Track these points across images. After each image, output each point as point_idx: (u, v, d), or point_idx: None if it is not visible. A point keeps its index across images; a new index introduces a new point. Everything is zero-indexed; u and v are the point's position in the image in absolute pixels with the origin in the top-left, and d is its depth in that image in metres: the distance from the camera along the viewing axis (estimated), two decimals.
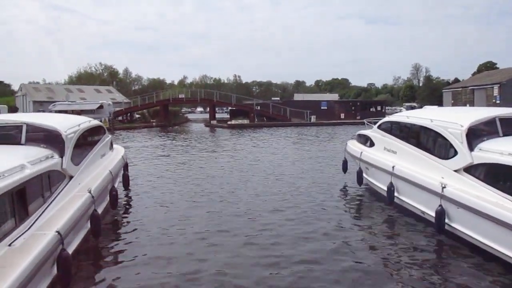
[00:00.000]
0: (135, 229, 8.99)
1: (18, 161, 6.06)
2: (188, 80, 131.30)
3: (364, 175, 12.34)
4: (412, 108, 56.09)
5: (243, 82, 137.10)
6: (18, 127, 7.76)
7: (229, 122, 51.54)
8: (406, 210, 9.71)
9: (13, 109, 55.26)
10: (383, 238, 8.30)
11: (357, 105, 61.44)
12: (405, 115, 11.27)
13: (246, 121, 51.86)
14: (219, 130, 44.71)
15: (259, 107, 55.70)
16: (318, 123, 50.92)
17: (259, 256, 7.33)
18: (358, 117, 53.03)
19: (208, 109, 70.58)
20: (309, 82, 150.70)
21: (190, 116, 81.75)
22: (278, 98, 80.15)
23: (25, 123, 7.80)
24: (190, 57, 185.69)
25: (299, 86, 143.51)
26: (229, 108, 62.29)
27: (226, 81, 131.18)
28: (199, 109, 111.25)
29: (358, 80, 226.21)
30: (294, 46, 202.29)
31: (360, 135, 13.69)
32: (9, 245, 5.02)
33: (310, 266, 6.86)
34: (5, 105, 51.37)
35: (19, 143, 7.51)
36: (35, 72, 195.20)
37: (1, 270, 4.36)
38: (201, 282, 6.34)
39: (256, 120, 52.51)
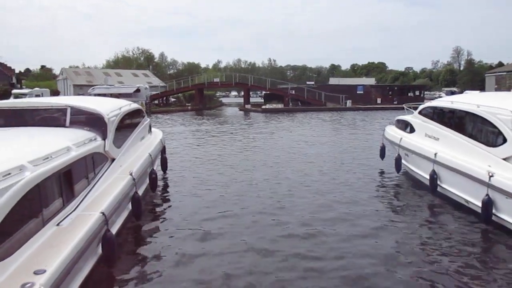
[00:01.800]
0: (174, 211, 9.18)
1: (64, 143, 6.22)
2: (222, 65, 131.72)
3: (403, 161, 12.04)
4: (453, 93, 54.28)
5: (278, 66, 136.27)
6: (62, 110, 7.94)
7: (263, 107, 51.42)
8: (449, 199, 9.42)
9: (55, 93, 57.13)
10: (424, 227, 8.07)
11: (395, 89, 60.01)
12: (448, 100, 10.84)
13: (280, 106, 51.59)
14: (253, 115, 44.71)
15: (293, 91, 55.24)
16: (353, 108, 50.08)
17: (296, 244, 7.30)
18: (395, 102, 51.89)
19: (242, 93, 70.68)
20: (345, 66, 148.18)
21: (224, 100, 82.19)
22: (313, 82, 79.25)
23: (69, 106, 7.97)
24: (224, 41, 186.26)
25: (335, 70, 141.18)
26: (263, 92, 62.13)
27: (260, 65, 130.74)
28: (234, 93, 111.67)
29: (396, 64, 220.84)
30: (329, 29, 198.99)
31: (399, 121, 13.33)
32: (57, 224, 5.19)
33: (349, 250, 6.79)
34: (48, 89, 53.18)
35: (63, 126, 7.69)
36: (75, 57, 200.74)
37: (51, 249, 4.51)
38: (241, 262, 6.38)
39: (291, 104, 52.13)
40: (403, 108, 15.13)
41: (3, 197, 4.00)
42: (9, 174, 4.30)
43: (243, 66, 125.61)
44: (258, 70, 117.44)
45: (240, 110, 54.13)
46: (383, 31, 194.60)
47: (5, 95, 49.04)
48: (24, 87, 71.17)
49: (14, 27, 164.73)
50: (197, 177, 12.46)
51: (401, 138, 11.99)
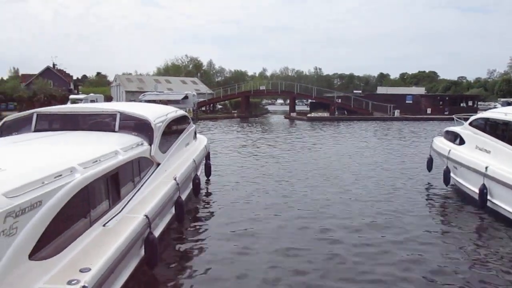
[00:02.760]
0: (216, 216, 9.33)
1: (113, 147, 6.48)
2: (268, 72, 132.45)
3: (451, 174, 11.60)
4: (509, 104, 51.58)
5: (324, 74, 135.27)
6: (112, 116, 8.29)
7: (308, 115, 51.18)
8: (499, 215, 8.97)
9: (108, 98, 59.61)
10: (472, 244, 7.72)
11: (446, 99, 57.86)
12: (502, 112, 10.33)
13: (326, 114, 51.15)
14: (299, 123, 44.58)
15: (339, 100, 54.60)
16: (402, 118, 48.78)
17: (338, 251, 7.21)
18: (447, 113, 50.00)
19: (288, 101, 70.68)
20: (394, 74, 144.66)
21: (270, 107, 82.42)
22: (360, 91, 77.99)
23: (119, 111, 8.30)
24: (271, 49, 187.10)
25: (383, 78, 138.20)
26: (309, 100, 61.83)
27: (306, 73, 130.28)
28: (279, 101, 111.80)
29: (448, 73, 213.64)
30: (378, 37, 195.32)
31: (448, 132, 12.87)
32: (104, 225, 5.41)
33: (391, 261, 6.62)
34: (102, 95, 55.61)
35: (113, 130, 8.01)
36: (128, 64, 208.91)
37: (97, 248, 4.72)
38: (282, 267, 6.39)
39: (337, 113, 51.55)
40: (453, 119, 14.60)
41: (54, 197, 4.23)
42: (61, 175, 4.54)
43: (290, 74, 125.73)
44: (305, 78, 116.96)
45: (286, 118, 54.11)
46: (435, 39, 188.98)
47: (63, 100, 51.77)
48: (80, 93, 74.80)
49: (73, 35, 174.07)
50: (240, 183, 12.59)
51: (449, 150, 11.56)
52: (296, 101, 66.12)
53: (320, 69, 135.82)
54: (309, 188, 12.02)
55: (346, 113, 51.74)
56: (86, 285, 3.88)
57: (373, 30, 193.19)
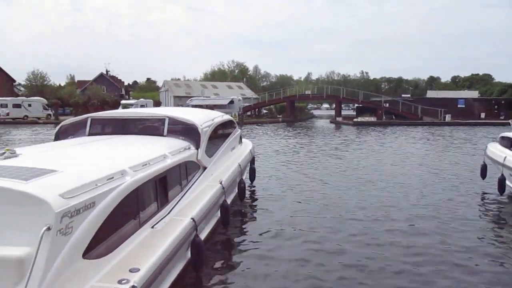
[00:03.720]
0: (261, 220, 9.34)
1: (161, 151, 6.66)
2: (313, 77, 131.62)
3: (507, 182, 11.03)
4: None
5: (371, 78, 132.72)
6: (161, 120, 8.52)
7: (355, 120, 50.34)
8: None
9: (157, 103, 61.49)
10: None
11: (501, 103, 55.10)
12: None
13: (373, 119, 50.10)
14: (345, 127, 43.93)
15: (387, 104, 53.35)
16: (453, 123, 46.94)
17: (391, 257, 7.03)
18: (502, 117, 47.76)
19: (333, 105, 69.91)
20: (445, 78, 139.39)
21: (315, 112, 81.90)
22: (409, 95, 75.85)
23: (167, 116, 8.52)
24: (317, 53, 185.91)
25: (433, 82, 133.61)
26: (356, 105, 60.84)
27: (353, 77, 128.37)
28: (325, 105, 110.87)
29: (504, 76, 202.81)
30: (427, 39, 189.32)
31: (504, 138, 12.25)
32: (152, 227, 5.56)
33: (442, 269, 6.38)
34: (151, 100, 57.46)
35: (162, 135, 8.23)
36: (176, 70, 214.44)
37: (146, 249, 4.86)
38: (329, 271, 6.32)
39: (384, 118, 50.38)
40: (510, 124, 13.89)
41: (106, 198, 4.40)
42: (112, 178, 4.72)
43: (335, 78, 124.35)
44: (351, 82, 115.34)
45: (331, 122, 53.53)
46: (489, 40, 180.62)
47: (115, 105, 53.96)
48: (131, 98, 77.67)
49: (125, 43, 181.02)
50: (284, 188, 12.56)
51: (505, 157, 10.99)
52: (342, 106, 65.26)
53: (367, 72, 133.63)
54: (356, 192, 11.80)
55: (394, 117, 50.44)
56: (136, 284, 3.99)
57: (422, 31, 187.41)
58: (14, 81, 79.04)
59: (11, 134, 35.10)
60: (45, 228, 3.51)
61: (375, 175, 14.79)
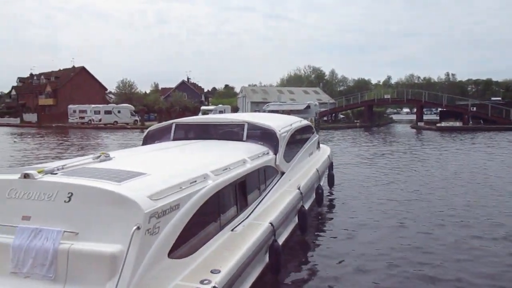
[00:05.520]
0: (339, 227, 9.14)
1: (241, 156, 6.79)
2: (393, 80, 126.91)
3: None
4: None
5: (457, 80, 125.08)
6: (241, 126, 8.69)
7: (438, 124, 47.70)
8: None
9: (234, 109, 63.08)
10: None
11: None
12: None
13: (458, 124, 47.14)
14: (427, 133, 41.76)
15: (474, 108, 49.89)
16: None
17: (463, 266, 6.55)
18: None
19: (414, 110, 66.94)
20: None
21: (395, 117, 78.94)
22: (500, 98, 70.41)
23: (246, 122, 8.68)
24: (397, 56, 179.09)
25: None
26: (439, 109, 57.63)
27: (436, 80, 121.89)
28: (405, 110, 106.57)
29: None
30: None
31: None
32: (232, 230, 5.67)
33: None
34: (229, 105, 59.11)
35: (241, 140, 8.39)
36: (254, 76, 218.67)
37: (226, 252, 4.96)
38: (409, 279, 6.03)
39: (471, 122, 47.17)
40: None
41: (189, 201, 4.57)
42: (195, 181, 4.89)
43: (416, 81, 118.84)
44: (434, 85, 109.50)
45: (412, 127, 51.25)
46: None
47: (195, 111, 56.28)
48: (210, 104, 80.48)
49: (205, 51, 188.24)
50: (364, 194, 12.21)
51: None
52: (424, 110, 62.22)
53: (453, 75, 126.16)
54: (436, 199, 11.14)
55: (482, 122, 47.03)
56: (217, 286, 4.08)
57: None
58: (106, 89, 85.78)
59: (101, 137, 37.95)
60: (135, 227, 3.71)
61: (465, 185, 13.72)
